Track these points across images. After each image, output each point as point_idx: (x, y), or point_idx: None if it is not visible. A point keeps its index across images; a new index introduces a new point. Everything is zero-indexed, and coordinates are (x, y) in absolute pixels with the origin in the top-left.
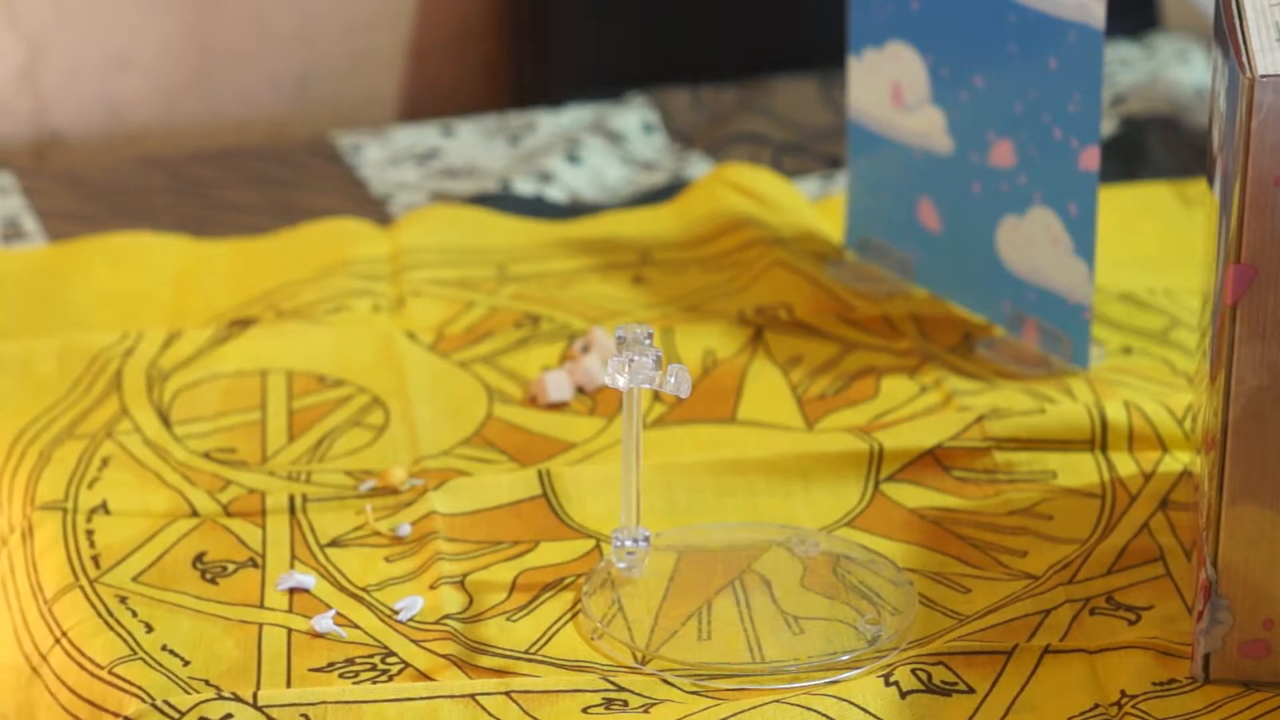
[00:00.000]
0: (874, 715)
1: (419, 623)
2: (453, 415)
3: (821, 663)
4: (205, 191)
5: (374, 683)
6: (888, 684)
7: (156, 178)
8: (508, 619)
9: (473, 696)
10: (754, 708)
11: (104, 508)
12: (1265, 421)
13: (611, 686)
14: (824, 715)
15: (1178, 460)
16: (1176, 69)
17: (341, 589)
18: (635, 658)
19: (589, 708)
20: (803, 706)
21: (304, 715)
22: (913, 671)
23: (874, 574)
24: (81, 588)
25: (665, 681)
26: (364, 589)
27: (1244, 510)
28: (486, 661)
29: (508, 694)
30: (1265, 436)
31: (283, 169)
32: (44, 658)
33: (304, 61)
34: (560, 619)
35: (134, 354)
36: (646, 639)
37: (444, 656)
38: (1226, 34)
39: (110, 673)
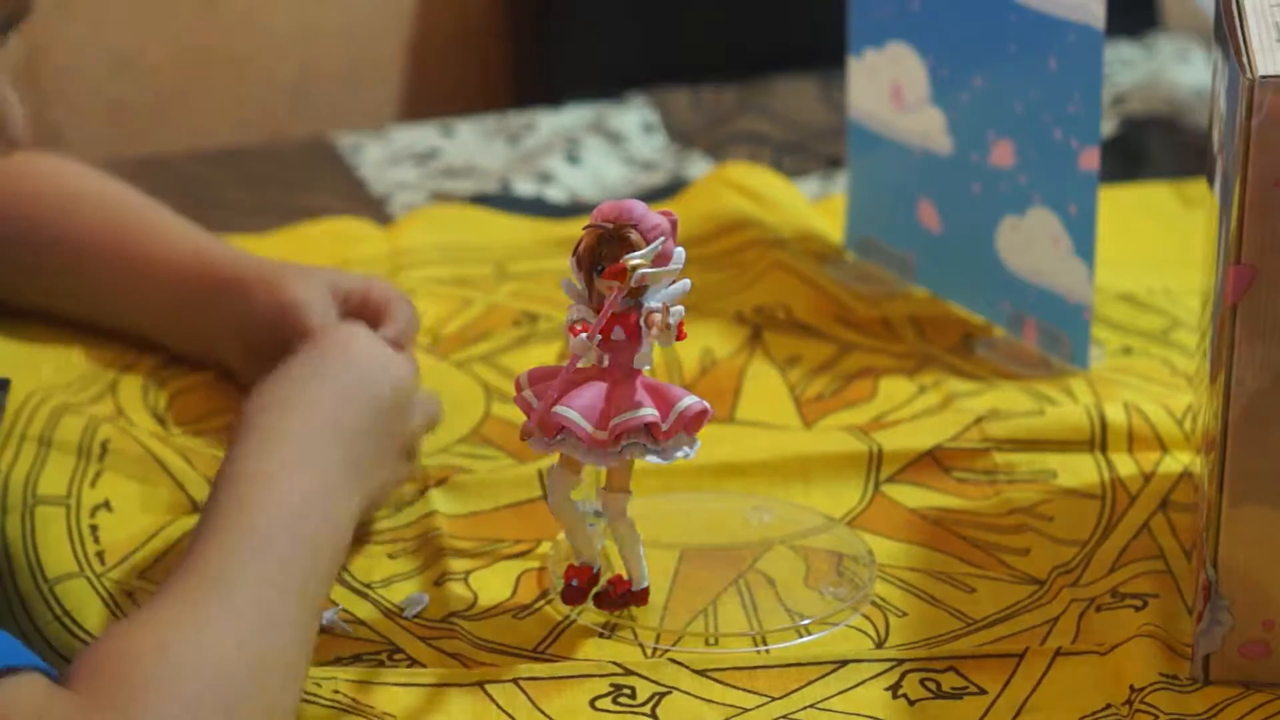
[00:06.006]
0: None
1: (425, 620)
2: (451, 413)
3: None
4: (205, 191)
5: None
6: (895, 696)
7: (156, 178)
8: (514, 617)
9: (481, 685)
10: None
11: (106, 505)
12: (1265, 422)
13: (619, 670)
14: None
15: (1177, 461)
16: (1177, 69)
17: (345, 584)
18: (645, 655)
19: (597, 698)
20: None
21: (315, 682)
22: (921, 682)
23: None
24: (87, 578)
25: (674, 661)
26: (368, 585)
27: (1244, 511)
28: (494, 659)
29: (515, 681)
30: (1265, 437)
31: (282, 169)
32: (39, 632)
33: (303, 62)
34: (566, 619)
35: (133, 368)
36: (655, 638)
37: (451, 655)
38: (1227, 34)
39: None
